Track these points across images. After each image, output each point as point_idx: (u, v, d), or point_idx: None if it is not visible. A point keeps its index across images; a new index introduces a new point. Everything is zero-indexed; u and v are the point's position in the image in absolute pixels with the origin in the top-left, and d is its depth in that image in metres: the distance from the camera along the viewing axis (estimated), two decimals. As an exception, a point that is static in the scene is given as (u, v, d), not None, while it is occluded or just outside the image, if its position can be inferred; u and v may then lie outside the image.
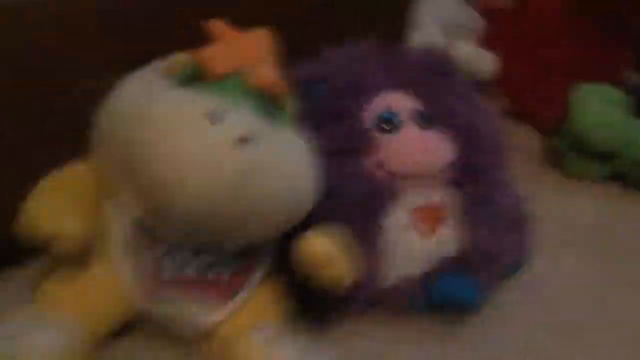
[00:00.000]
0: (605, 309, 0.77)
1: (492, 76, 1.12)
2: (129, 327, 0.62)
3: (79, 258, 0.59)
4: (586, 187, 1.01)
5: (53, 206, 0.57)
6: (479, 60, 1.10)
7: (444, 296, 0.68)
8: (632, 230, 0.92)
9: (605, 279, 0.82)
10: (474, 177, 0.69)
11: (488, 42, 1.16)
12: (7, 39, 0.59)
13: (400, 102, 0.70)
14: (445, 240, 0.68)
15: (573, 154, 1.01)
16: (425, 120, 0.70)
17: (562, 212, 0.94)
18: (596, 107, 0.98)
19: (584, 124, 0.97)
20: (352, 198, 0.65)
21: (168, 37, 0.63)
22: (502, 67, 1.12)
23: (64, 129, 0.62)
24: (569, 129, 1.00)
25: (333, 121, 0.68)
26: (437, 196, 0.69)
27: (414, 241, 0.67)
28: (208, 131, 0.53)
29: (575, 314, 0.76)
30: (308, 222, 0.62)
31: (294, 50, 0.65)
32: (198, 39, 0.59)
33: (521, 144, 1.09)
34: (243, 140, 0.53)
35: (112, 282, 0.59)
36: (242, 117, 0.55)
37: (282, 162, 0.57)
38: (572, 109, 1.00)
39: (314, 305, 0.67)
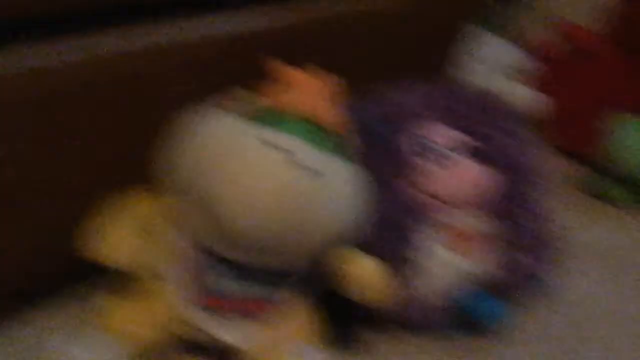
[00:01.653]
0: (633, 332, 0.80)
1: (540, 113, 1.15)
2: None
3: (135, 280, 0.63)
4: (628, 214, 1.04)
5: (115, 231, 0.61)
6: (527, 98, 1.14)
7: (474, 314, 0.72)
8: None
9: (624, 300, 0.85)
10: (508, 202, 0.72)
11: (537, 81, 1.19)
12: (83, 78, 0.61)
13: (445, 133, 0.74)
14: (477, 260, 0.71)
15: (611, 183, 1.04)
16: (466, 149, 0.74)
17: (598, 237, 0.97)
18: (634, 136, 1.01)
19: (621, 152, 1.00)
20: (388, 219, 0.69)
21: (239, 76, 0.67)
22: (550, 104, 1.15)
23: (134, 160, 0.66)
24: (608, 159, 1.03)
25: (373, 145, 0.71)
26: (472, 219, 0.72)
27: (448, 260, 0.70)
28: (273, 160, 0.57)
29: (602, 334, 0.78)
30: (351, 244, 0.65)
31: (353, 90, 0.69)
32: (266, 78, 0.63)
33: (565, 174, 1.13)
34: (306, 170, 0.57)
35: (168, 299, 0.62)
36: (306, 149, 0.59)
37: (341, 190, 0.60)
38: (609, 139, 1.03)
39: (348, 322, 0.71)
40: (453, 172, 0.72)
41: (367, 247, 0.67)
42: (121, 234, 0.61)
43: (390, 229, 0.69)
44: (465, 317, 0.73)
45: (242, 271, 0.62)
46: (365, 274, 0.64)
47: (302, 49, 0.75)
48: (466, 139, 0.75)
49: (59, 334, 0.68)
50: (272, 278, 0.63)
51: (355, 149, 0.68)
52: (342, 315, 0.70)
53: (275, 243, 0.59)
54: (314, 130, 0.62)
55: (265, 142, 0.58)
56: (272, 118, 0.61)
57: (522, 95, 1.14)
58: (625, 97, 1.13)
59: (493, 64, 1.18)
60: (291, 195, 0.57)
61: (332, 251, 0.64)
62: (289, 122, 0.61)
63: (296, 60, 0.66)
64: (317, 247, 0.61)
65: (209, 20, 0.70)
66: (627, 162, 1.00)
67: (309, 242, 0.60)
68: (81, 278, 0.73)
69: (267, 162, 0.57)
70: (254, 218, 0.57)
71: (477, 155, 0.74)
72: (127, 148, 0.66)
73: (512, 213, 0.73)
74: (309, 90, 0.64)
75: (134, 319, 0.63)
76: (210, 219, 0.59)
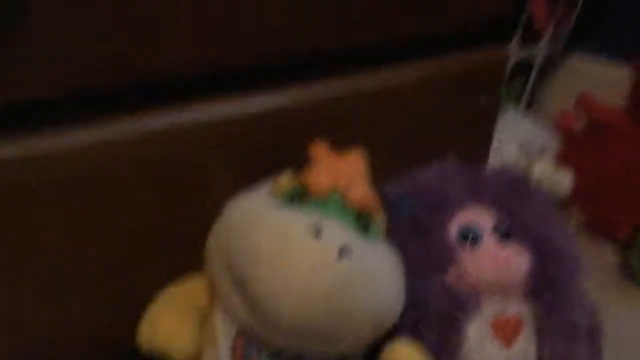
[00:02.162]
0: None
1: (569, 192, 1.15)
2: None
3: None
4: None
5: (168, 320, 0.60)
6: (556, 177, 1.13)
7: None
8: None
9: None
10: (549, 287, 0.72)
11: (565, 160, 1.20)
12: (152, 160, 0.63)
13: (480, 218, 0.74)
14: (523, 350, 0.70)
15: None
16: (504, 234, 0.73)
17: (635, 327, 0.96)
18: None
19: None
20: (436, 309, 0.68)
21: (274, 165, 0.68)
22: (578, 182, 1.15)
23: (182, 242, 0.67)
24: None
25: (419, 236, 0.71)
26: (515, 307, 0.71)
27: (494, 352, 0.69)
28: (310, 244, 0.56)
29: None
30: (394, 333, 0.65)
31: (383, 170, 0.68)
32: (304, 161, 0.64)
33: (597, 256, 1.11)
34: (342, 253, 0.56)
35: None
36: (341, 231, 0.59)
37: (374, 274, 0.59)
38: None
39: None
40: (497, 258, 0.71)
41: (415, 339, 0.66)
42: (177, 324, 0.60)
43: (438, 322, 0.68)
44: None
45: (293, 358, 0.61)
46: None
47: (334, 126, 0.75)
48: (504, 221, 0.75)
49: None
50: None
51: (387, 228, 0.67)
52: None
53: (320, 333, 0.58)
54: (353, 213, 0.62)
55: (310, 229, 0.57)
56: (312, 201, 0.61)
57: (547, 173, 1.14)
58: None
59: (517, 140, 1.18)
60: (341, 286, 0.56)
61: (379, 339, 0.63)
62: (327, 205, 0.61)
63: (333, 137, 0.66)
64: (362, 334, 0.60)
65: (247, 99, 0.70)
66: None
67: (358, 330, 0.59)
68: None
69: (316, 253, 0.56)
70: (304, 312, 0.56)
71: (516, 237, 0.74)
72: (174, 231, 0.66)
73: (554, 297, 0.72)
74: (343, 169, 0.64)
75: None
76: (253, 309, 0.58)
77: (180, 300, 0.63)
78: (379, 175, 0.68)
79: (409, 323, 0.67)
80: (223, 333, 0.62)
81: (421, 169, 0.80)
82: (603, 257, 1.13)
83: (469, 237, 0.73)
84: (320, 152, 0.65)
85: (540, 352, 0.71)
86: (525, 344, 0.71)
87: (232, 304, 0.60)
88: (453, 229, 0.73)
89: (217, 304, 0.63)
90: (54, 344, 0.65)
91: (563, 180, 1.14)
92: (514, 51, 1.39)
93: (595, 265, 1.06)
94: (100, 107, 0.61)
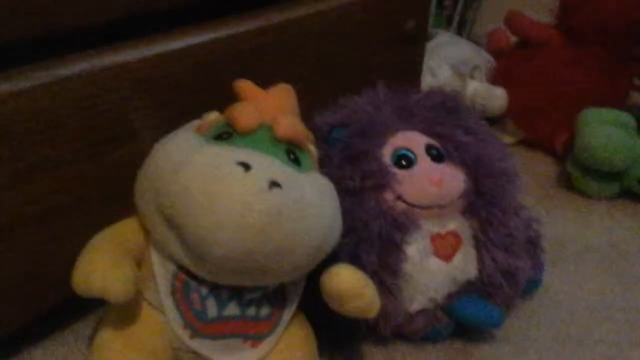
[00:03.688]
0: (622, 323, 0.80)
1: (504, 109, 1.17)
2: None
3: (128, 305, 0.63)
4: (599, 206, 1.05)
5: (104, 261, 0.59)
6: (489, 95, 1.15)
7: (466, 318, 0.72)
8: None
9: (620, 293, 0.86)
10: (485, 204, 0.73)
11: (498, 78, 1.21)
12: (64, 106, 0.61)
13: (413, 141, 0.75)
14: (462, 264, 0.72)
15: (584, 176, 1.05)
16: (437, 155, 0.75)
17: (576, 231, 0.98)
18: (601, 129, 1.02)
19: (591, 146, 1.01)
20: (375, 232, 0.69)
21: (200, 101, 0.68)
22: (513, 100, 1.17)
23: (116, 187, 0.66)
24: (578, 152, 1.04)
25: (353, 162, 0.72)
26: (452, 224, 0.73)
27: (435, 268, 0.71)
28: (239, 179, 0.56)
29: (591, 330, 0.79)
30: (335, 257, 0.65)
31: (313, 100, 0.69)
32: (228, 99, 0.64)
33: (536, 169, 1.14)
34: (272, 185, 0.56)
35: (160, 326, 0.63)
36: (270, 165, 0.59)
37: (307, 205, 0.59)
38: (578, 132, 1.04)
39: (341, 335, 0.72)
40: (431, 178, 0.72)
41: (355, 261, 0.68)
42: (111, 267, 0.59)
43: (378, 244, 0.69)
44: (460, 324, 0.74)
45: (229, 293, 0.62)
46: (350, 286, 0.63)
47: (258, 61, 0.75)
48: (437, 143, 0.76)
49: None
50: (263, 296, 0.64)
51: (319, 157, 0.69)
52: (339, 330, 0.71)
53: (258, 265, 0.58)
54: (282, 146, 0.62)
55: (239, 164, 0.57)
56: (240, 137, 0.61)
57: (481, 92, 1.15)
58: (578, 87, 1.15)
59: (449, 62, 1.19)
60: (273, 218, 0.56)
61: (317, 266, 0.63)
62: (255, 140, 0.61)
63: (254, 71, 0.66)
64: (299, 263, 0.60)
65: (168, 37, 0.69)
66: (593, 154, 1.01)
67: (294, 260, 0.59)
68: (81, 314, 0.74)
69: (246, 187, 0.56)
70: (238, 246, 0.56)
71: (449, 157, 0.75)
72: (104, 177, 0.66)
73: (489, 213, 0.73)
74: (270, 104, 0.64)
75: (132, 351, 0.62)
76: (188, 246, 0.58)
77: (114, 243, 0.63)
78: (306, 106, 0.68)
79: (348, 248, 0.69)
80: (161, 272, 0.63)
81: (351, 97, 0.80)
82: (541, 168, 1.15)
83: (403, 160, 0.74)
84: (246, 87, 0.65)
85: (480, 265, 0.73)
86: (465, 258, 0.73)
87: (166, 244, 0.61)
88: (387, 154, 0.74)
89: (152, 243, 0.64)
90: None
91: (497, 98, 1.16)
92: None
93: (534, 176, 1.10)
94: (18, 57, 0.60)
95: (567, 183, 1.09)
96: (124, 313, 0.64)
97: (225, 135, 0.61)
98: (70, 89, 0.61)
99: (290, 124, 0.63)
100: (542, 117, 1.16)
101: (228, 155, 0.58)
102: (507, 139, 1.20)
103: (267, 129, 0.62)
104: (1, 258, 0.62)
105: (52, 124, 0.61)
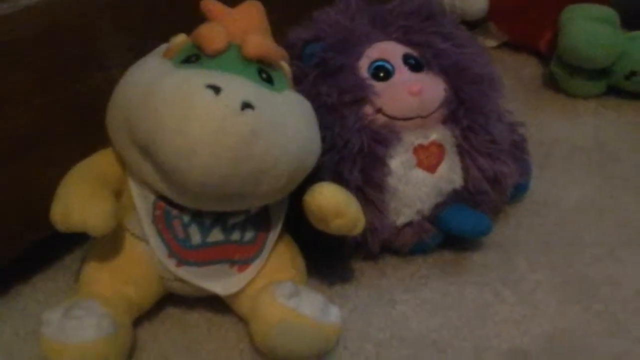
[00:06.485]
0: (612, 224, 0.80)
1: (485, 12, 1.14)
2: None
3: (112, 238, 0.63)
4: (586, 106, 1.04)
5: (82, 195, 0.59)
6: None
7: (454, 228, 0.72)
8: (631, 141, 0.95)
9: (609, 194, 0.85)
10: (466, 111, 0.72)
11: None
12: (26, 36, 0.60)
13: (390, 51, 0.73)
14: (449, 173, 0.72)
15: (570, 75, 1.04)
16: (416, 65, 0.73)
17: (564, 132, 0.97)
18: (585, 26, 1.00)
19: (574, 43, 0.99)
20: (356, 147, 0.68)
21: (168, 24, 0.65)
22: (493, 1, 1.14)
23: (88, 119, 0.65)
24: (562, 51, 1.02)
25: (330, 77, 0.71)
26: (435, 134, 0.72)
27: (419, 180, 0.71)
28: (210, 103, 0.55)
29: (581, 233, 0.79)
30: (317, 176, 0.65)
31: (285, 15, 0.67)
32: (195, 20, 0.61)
33: (521, 71, 1.12)
34: (244, 106, 0.55)
35: (146, 256, 0.63)
36: (242, 86, 0.57)
37: (283, 123, 0.58)
38: (562, 30, 1.02)
39: (330, 254, 0.72)
40: (411, 89, 0.71)
41: (338, 178, 0.67)
42: (90, 199, 0.58)
43: (361, 159, 0.68)
44: (449, 234, 0.73)
45: (212, 219, 0.62)
46: (332, 204, 0.62)
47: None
48: (414, 52, 0.74)
49: (47, 304, 0.67)
50: (246, 220, 0.63)
51: (293, 74, 0.67)
52: (328, 250, 0.71)
53: (236, 189, 0.57)
54: (254, 65, 0.60)
55: (207, 85, 0.55)
56: (208, 59, 0.59)
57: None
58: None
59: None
60: (248, 140, 0.55)
61: (301, 186, 0.63)
62: (225, 60, 0.59)
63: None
64: (279, 184, 0.60)
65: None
66: (577, 51, 1.00)
67: (273, 182, 0.59)
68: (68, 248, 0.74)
69: (218, 110, 0.55)
70: (213, 170, 0.55)
71: (428, 66, 0.74)
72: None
73: (471, 120, 0.72)
74: (238, 22, 0.62)
75: (120, 282, 0.63)
76: (165, 175, 0.58)
77: (91, 175, 0.62)
78: (278, 22, 0.66)
79: (330, 166, 0.68)
80: (141, 202, 0.63)
81: (323, 10, 0.78)
82: (526, 70, 1.13)
83: (381, 72, 0.72)
84: (212, 7, 0.62)
85: (465, 174, 0.73)
86: (449, 168, 0.72)
87: (143, 173, 0.60)
88: (363, 66, 0.72)
89: (130, 174, 0.63)
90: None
91: (476, 1, 1.13)
92: None
93: (519, 79, 1.09)
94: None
95: (553, 84, 1.08)
96: (108, 245, 0.64)
97: (193, 58, 0.60)
98: (32, 17, 0.60)
99: (259, 42, 0.61)
100: (525, 17, 1.14)
101: (197, 79, 0.57)
102: (490, 43, 1.18)
103: (236, 49, 0.60)
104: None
105: (15, 53, 0.59)
